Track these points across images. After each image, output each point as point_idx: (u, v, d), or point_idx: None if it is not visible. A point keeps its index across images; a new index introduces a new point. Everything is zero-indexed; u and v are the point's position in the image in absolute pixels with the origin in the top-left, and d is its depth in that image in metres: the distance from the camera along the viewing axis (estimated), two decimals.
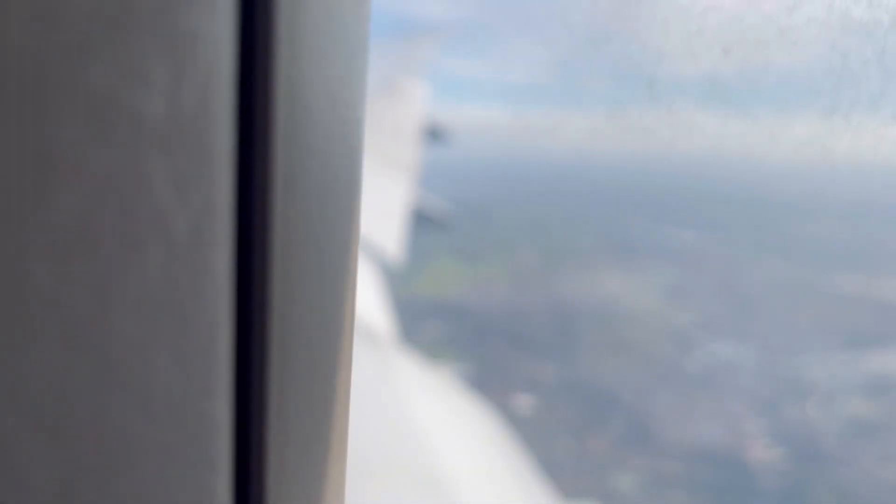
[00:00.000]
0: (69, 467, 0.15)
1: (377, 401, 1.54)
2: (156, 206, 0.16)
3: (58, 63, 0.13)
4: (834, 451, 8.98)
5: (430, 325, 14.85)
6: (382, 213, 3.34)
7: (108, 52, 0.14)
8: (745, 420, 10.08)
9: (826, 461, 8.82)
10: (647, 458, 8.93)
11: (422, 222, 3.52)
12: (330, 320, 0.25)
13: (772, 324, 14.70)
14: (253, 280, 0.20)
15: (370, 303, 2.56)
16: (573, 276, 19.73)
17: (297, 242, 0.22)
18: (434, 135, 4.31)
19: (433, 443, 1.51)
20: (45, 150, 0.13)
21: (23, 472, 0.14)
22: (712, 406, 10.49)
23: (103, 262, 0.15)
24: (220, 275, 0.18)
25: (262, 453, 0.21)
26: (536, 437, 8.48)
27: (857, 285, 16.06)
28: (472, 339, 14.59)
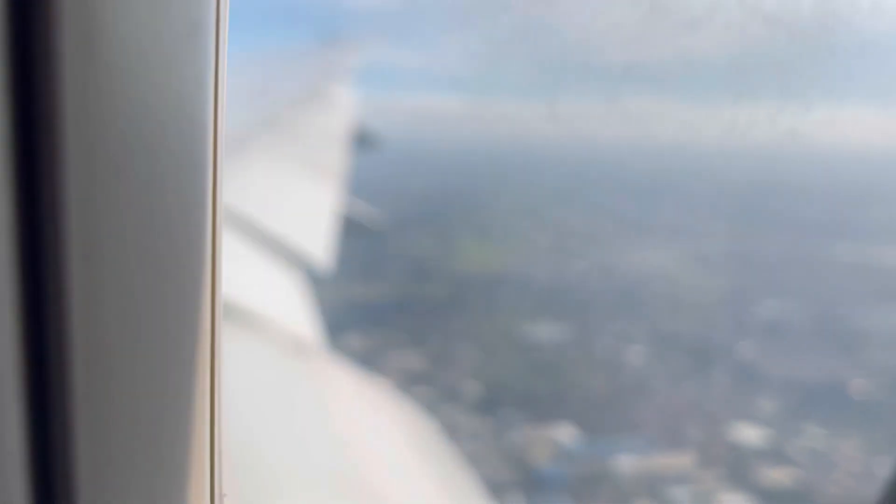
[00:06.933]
0: None
1: (307, 410, 1.50)
2: None
3: None
4: None
5: (501, 296, 16.72)
6: (309, 221, 3.31)
7: None
8: (831, 359, 12.13)
9: None
10: (772, 390, 10.99)
11: (353, 229, 3.47)
12: (146, 324, 0.25)
13: (802, 284, 17.00)
14: (45, 283, 0.20)
15: (296, 312, 2.51)
16: (596, 249, 22.11)
17: (99, 245, 0.21)
18: (363, 141, 4.27)
19: (364, 451, 1.45)
20: None
21: None
22: (795, 350, 12.41)
23: None
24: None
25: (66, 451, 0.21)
26: (668, 379, 11.72)
27: (853, 253, 18.41)
28: (545, 304, 16.14)
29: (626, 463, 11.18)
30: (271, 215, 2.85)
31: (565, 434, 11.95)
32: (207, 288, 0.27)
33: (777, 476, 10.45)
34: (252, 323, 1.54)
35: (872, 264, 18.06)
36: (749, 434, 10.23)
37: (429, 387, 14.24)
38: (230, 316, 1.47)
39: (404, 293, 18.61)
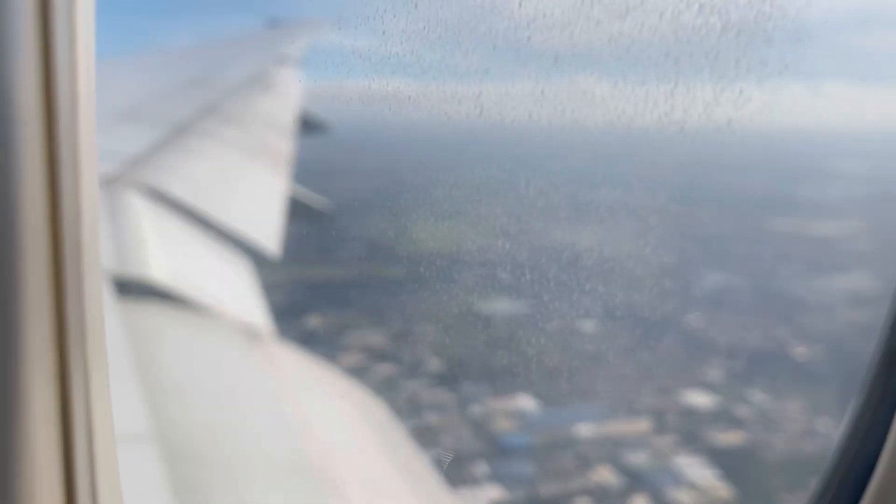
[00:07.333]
0: None
1: (259, 395, 1.51)
2: None
3: None
4: (853, 345, 11.33)
5: (457, 274, 17.59)
6: (258, 207, 3.30)
7: None
8: (775, 327, 12.85)
9: (848, 353, 11.24)
10: (720, 359, 11.58)
11: (305, 212, 3.48)
12: None
13: (743, 258, 17.49)
14: None
15: (246, 298, 2.52)
16: (542, 229, 22.90)
17: None
18: (311, 124, 4.25)
19: (315, 433, 1.47)
20: None
21: None
22: (739, 320, 13.22)
23: None
24: None
25: None
26: (620, 351, 11.92)
27: (789, 225, 19.04)
28: (500, 281, 16.89)
29: (585, 430, 11.51)
30: (218, 202, 2.84)
31: (526, 405, 12.24)
32: (39, 293, 0.25)
33: (728, 438, 10.98)
34: (201, 311, 1.58)
35: (808, 237, 18.37)
36: (699, 400, 10.72)
37: (392, 364, 14.40)
38: (178, 304, 1.51)
39: (361, 274, 18.71)
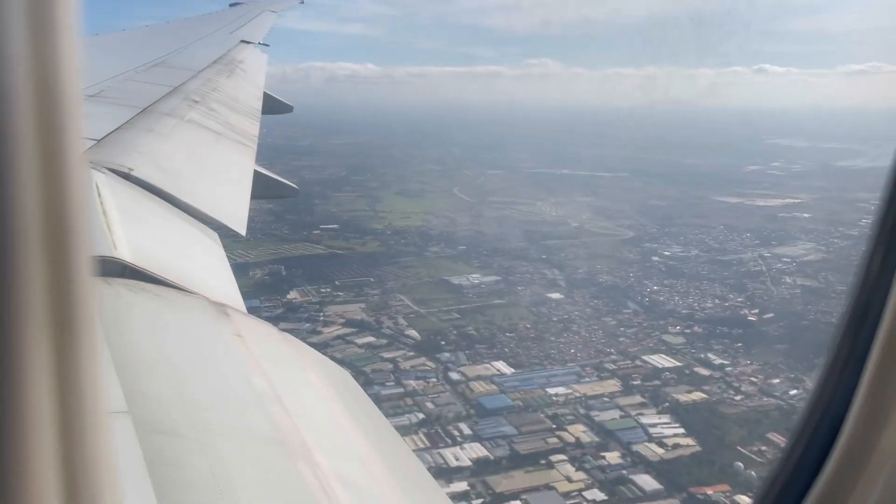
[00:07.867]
0: None
1: (231, 370, 1.61)
2: None
3: None
4: (800, 309, 12.78)
5: (433, 247, 17.98)
6: (224, 187, 3.37)
7: None
8: (727, 295, 13.81)
9: (797, 316, 12.45)
10: (677, 323, 12.26)
11: (276, 191, 3.56)
12: None
13: (694, 231, 18.67)
14: None
15: (215, 276, 2.61)
16: (509, 204, 23.31)
17: None
18: (275, 105, 4.29)
19: (288, 406, 1.58)
20: None
21: None
22: (696, 288, 14.15)
23: None
24: None
25: None
26: (583, 320, 12.99)
27: (737, 199, 20.51)
28: (476, 254, 17.42)
29: (558, 392, 11.89)
30: (185, 181, 2.93)
31: (502, 370, 12.60)
32: (33, 279, 0.22)
33: (689, 397, 11.45)
34: (171, 288, 1.69)
35: (759, 211, 19.41)
36: (662, 362, 11.16)
37: (372, 335, 14.65)
38: (147, 281, 1.62)
39: (335, 249, 18.97)
